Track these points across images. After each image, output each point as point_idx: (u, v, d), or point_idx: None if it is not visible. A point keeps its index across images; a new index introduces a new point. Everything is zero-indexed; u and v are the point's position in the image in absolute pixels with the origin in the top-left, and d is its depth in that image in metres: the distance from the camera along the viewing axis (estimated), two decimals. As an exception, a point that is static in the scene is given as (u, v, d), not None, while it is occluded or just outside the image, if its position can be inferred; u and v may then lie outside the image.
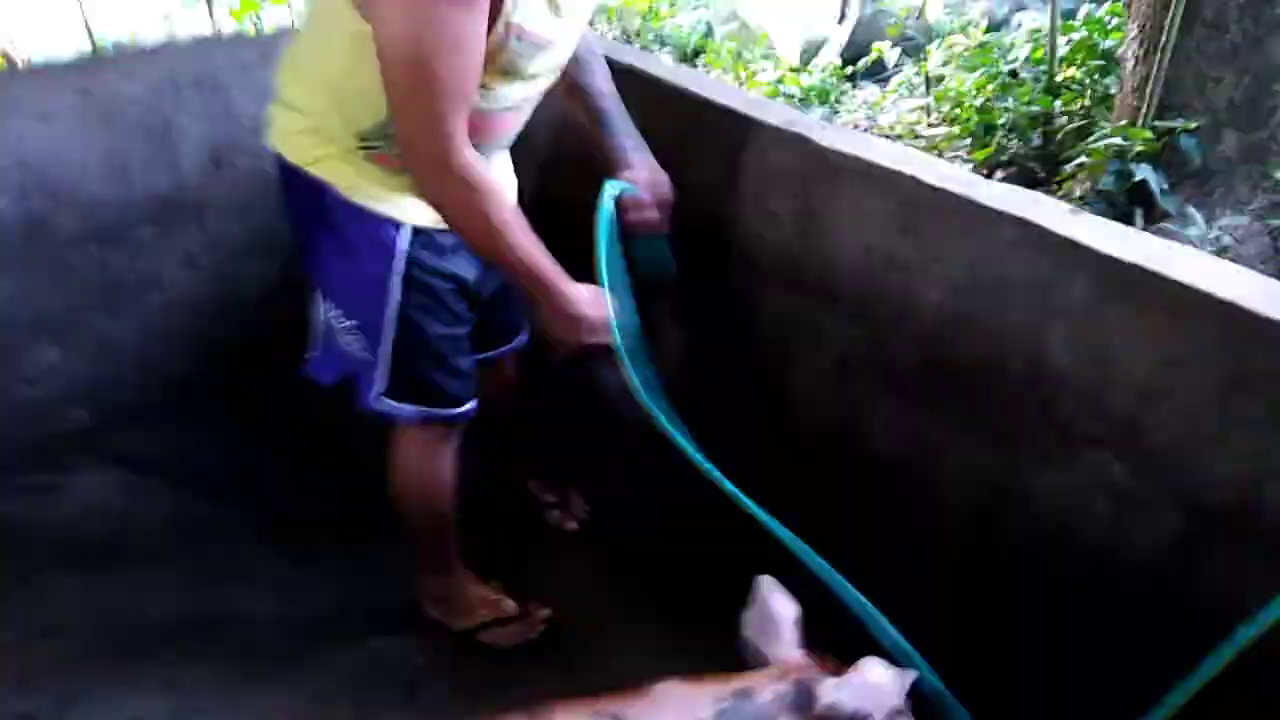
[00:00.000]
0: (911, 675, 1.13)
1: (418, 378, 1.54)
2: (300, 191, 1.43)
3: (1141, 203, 2.66)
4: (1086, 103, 3.59)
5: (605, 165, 1.62)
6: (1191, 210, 2.61)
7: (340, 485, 2.08)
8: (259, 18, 3.55)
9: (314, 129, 1.39)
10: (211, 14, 3.28)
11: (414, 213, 1.42)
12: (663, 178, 1.65)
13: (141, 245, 2.13)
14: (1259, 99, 2.69)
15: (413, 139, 1.23)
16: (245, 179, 2.16)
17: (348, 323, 1.49)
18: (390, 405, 1.55)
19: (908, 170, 1.54)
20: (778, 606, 1.16)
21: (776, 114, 1.79)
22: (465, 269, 1.53)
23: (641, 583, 1.96)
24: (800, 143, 1.70)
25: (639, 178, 1.61)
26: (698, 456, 1.44)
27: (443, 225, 1.38)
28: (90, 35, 3.69)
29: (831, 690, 1.04)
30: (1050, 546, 1.49)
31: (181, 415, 2.30)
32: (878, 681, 1.08)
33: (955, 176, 1.52)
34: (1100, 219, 1.38)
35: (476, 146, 1.29)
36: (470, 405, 1.62)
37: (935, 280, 1.54)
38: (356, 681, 1.72)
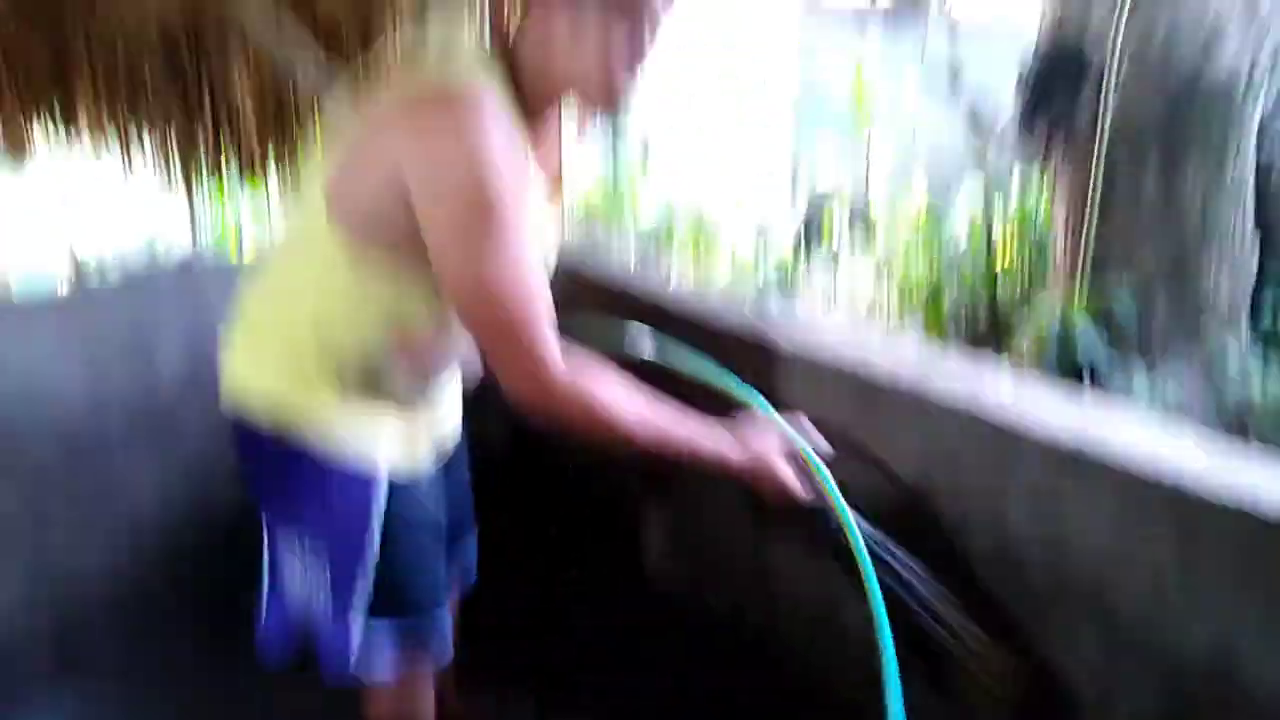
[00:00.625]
0: None
1: (402, 627, 1.35)
2: (259, 444, 1.31)
3: (1086, 365, 2.78)
4: (1027, 270, 3.81)
5: None
6: (1134, 371, 2.73)
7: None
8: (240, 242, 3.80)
9: (287, 373, 1.28)
10: (195, 240, 3.44)
11: (390, 451, 1.32)
12: None
13: (115, 463, 2.14)
14: (1183, 264, 2.88)
15: (516, 376, 1.19)
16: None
17: (319, 576, 1.32)
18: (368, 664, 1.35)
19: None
20: None
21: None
22: (438, 510, 1.43)
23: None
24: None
25: None
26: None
27: (414, 464, 1.35)
28: (75, 262, 3.85)
29: None
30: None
31: (148, 642, 2.22)
32: None
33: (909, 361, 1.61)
34: (1045, 392, 1.47)
35: (430, 370, 1.33)
36: (448, 648, 1.44)
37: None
38: None
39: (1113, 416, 1.42)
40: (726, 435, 1.32)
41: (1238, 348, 2.85)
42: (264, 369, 1.30)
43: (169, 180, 3.20)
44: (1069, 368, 2.76)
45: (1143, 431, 1.36)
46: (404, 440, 1.34)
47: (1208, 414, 2.76)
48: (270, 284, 1.33)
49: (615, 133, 7.59)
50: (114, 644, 2.16)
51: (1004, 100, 3.77)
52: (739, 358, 1.84)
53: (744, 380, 1.83)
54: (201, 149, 3.12)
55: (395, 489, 1.31)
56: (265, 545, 1.38)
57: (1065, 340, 2.77)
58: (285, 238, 1.41)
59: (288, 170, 3.19)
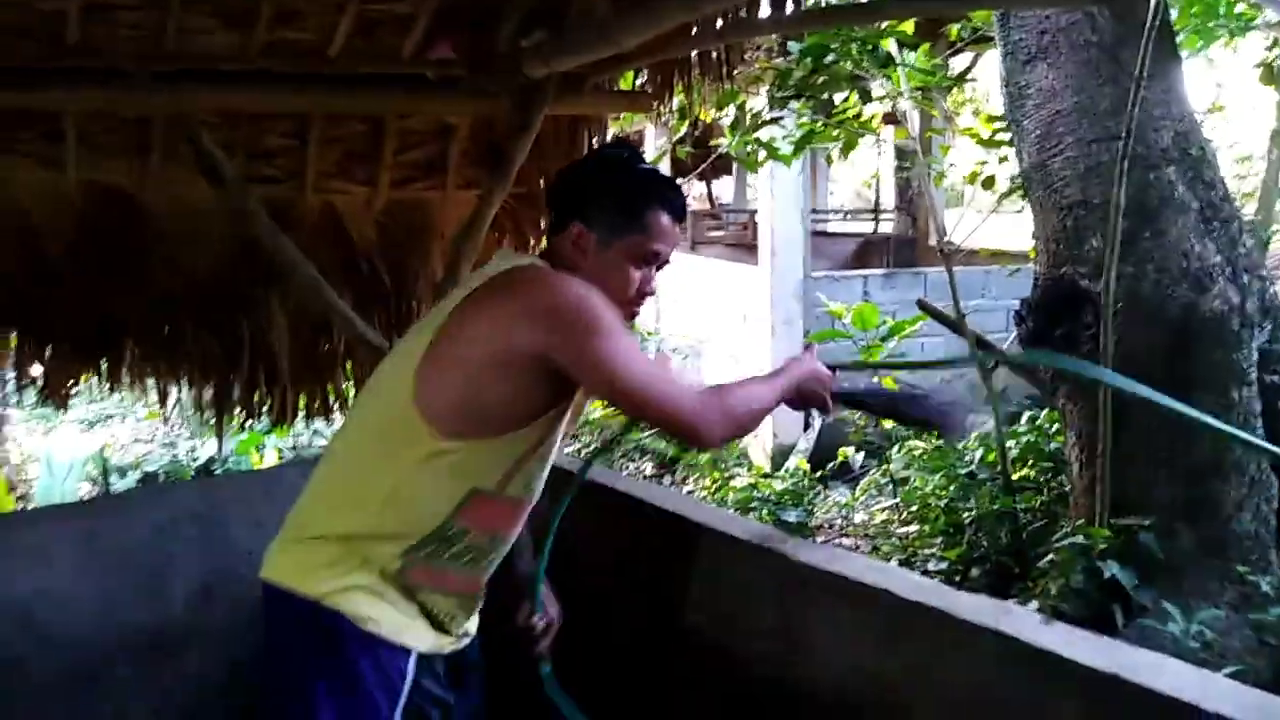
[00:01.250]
0: None
1: None
2: (302, 626, 1.39)
3: (1116, 599, 2.70)
4: (1045, 500, 3.78)
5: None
6: (1167, 606, 2.65)
7: None
8: (261, 452, 3.82)
9: (341, 557, 1.39)
10: (220, 451, 3.50)
11: (423, 638, 1.44)
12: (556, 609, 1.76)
13: (116, 685, 2.08)
14: (1202, 496, 2.86)
15: (681, 433, 1.40)
16: (234, 612, 2.17)
17: None
18: None
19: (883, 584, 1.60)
20: None
21: (751, 530, 1.88)
22: (447, 694, 1.52)
23: None
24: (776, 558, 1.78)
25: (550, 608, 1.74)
26: None
27: (440, 649, 1.48)
28: (105, 472, 3.91)
29: None
30: None
31: None
32: None
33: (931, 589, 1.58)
34: (1081, 632, 1.42)
35: (498, 535, 1.49)
36: None
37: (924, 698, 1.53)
38: None
39: (1150, 656, 1.37)
40: (784, 372, 1.54)
41: (1269, 585, 2.77)
42: (321, 568, 1.39)
43: (201, 429, 3.26)
44: (1096, 602, 2.68)
45: (1183, 671, 1.31)
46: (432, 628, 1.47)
47: (1250, 655, 2.65)
48: (336, 484, 1.46)
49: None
50: None
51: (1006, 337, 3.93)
52: (749, 564, 1.81)
53: (759, 593, 1.80)
54: (237, 404, 3.21)
55: (423, 661, 1.44)
56: None
57: (1091, 570, 2.71)
58: (359, 437, 1.51)
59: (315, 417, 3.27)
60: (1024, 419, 4.65)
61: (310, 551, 1.43)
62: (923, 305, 4.23)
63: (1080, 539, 2.83)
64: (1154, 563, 2.81)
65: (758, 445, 7.33)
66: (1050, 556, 2.96)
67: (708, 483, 6.18)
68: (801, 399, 1.56)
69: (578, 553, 1.99)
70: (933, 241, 9.12)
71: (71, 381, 3.08)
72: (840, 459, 6.05)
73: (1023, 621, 1.45)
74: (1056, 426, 4.10)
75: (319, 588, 1.38)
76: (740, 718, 1.88)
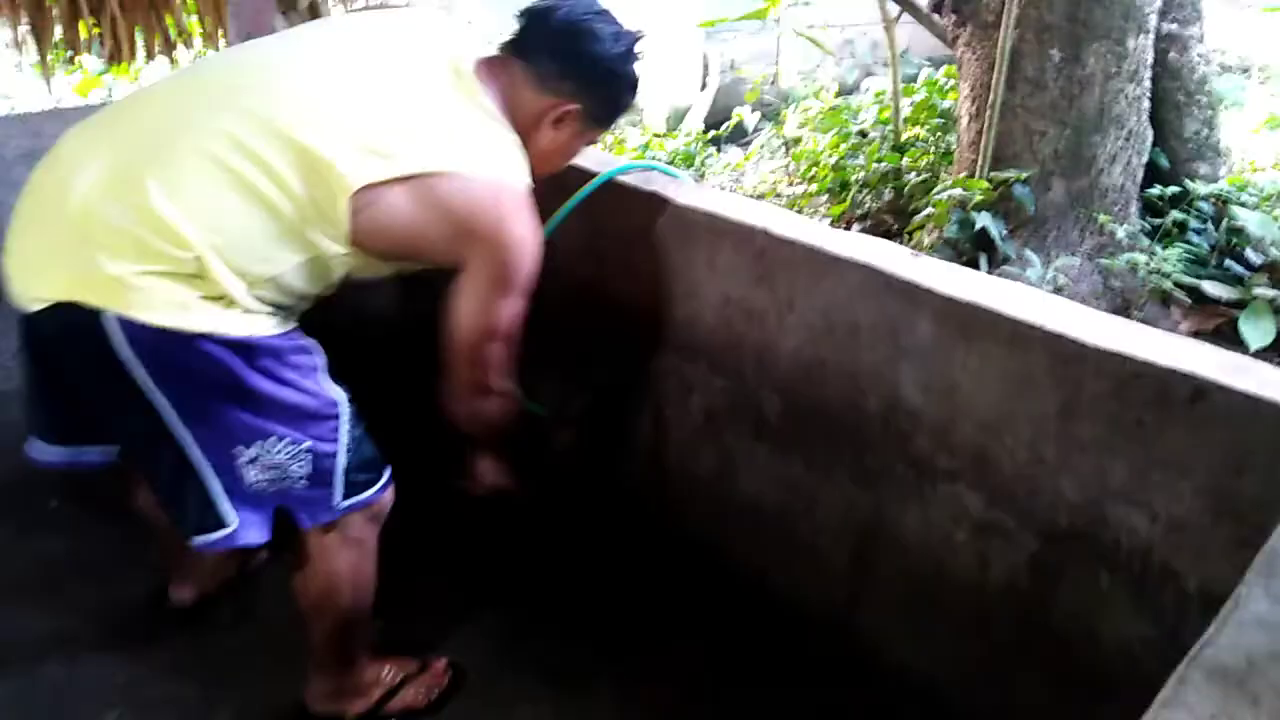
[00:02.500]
0: None
1: (365, 464, 1.44)
2: (184, 354, 1.24)
3: (984, 248, 2.82)
4: (931, 159, 3.81)
5: None
6: (1029, 254, 2.78)
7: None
8: (109, 93, 3.42)
9: (192, 275, 1.23)
10: (50, 90, 3.14)
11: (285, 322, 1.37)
12: None
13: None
14: (1079, 149, 2.91)
15: (484, 381, 1.49)
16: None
17: (294, 449, 1.34)
18: (350, 503, 1.42)
19: (760, 224, 1.59)
20: None
21: (634, 176, 1.82)
22: None
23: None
24: (659, 202, 1.74)
25: None
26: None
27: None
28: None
29: None
30: (922, 583, 1.52)
31: (14, 514, 2.12)
32: None
33: (806, 228, 1.58)
34: (940, 261, 1.46)
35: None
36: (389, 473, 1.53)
37: (791, 328, 1.59)
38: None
39: (1005, 285, 1.42)
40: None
41: (1130, 224, 2.92)
42: (163, 281, 1.22)
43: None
44: (966, 251, 2.80)
45: (1033, 297, 1.36)
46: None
47: (1095, 299, 2.85)
48: (187, 197, 1.22)
49: None
50: None
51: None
52: (636, 210, 1.78)
53: (637, 238, 1.79)
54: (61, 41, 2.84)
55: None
56: (197, 455, 1.31)
57: (964, 221, 2.79)
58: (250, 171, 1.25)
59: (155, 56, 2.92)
60: (921, 76, 4.57)
61: (147, 258, 1.23)
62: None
63: (958, 191, 2.88)
64: (1023, 215, 2.91)
65: (652, 107, 7.10)
66: (928, 210, 3.02)
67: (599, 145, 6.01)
68: (487, 474, 1.71)
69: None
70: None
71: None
72: (735, 120, 5.94)
73: (890, 255, 1.47)
74: (952, 83, 4.05)
75: (175, 314, 1.24)
76: (630, 358, 1.95)
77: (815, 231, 1.57)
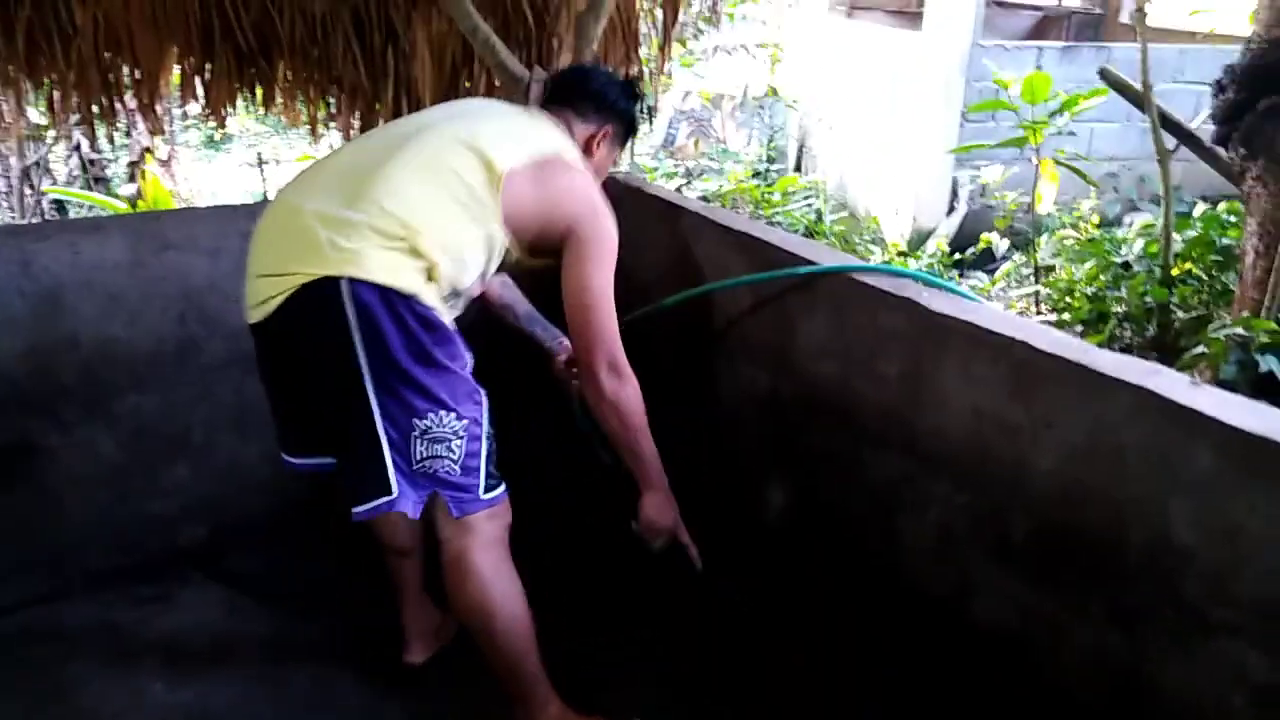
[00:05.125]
0: None
1: (496, 464, 1.72)
2: (393, 314, 1.54)
3: (1265, 394, 2.55)
4: (1205, 296, 3.54)
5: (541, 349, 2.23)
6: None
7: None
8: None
9: (410, 250, 1.56)
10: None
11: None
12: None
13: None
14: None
15: (599, 356, 1.77)
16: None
17: (458, 425, 1.61)
18: (491, 497, 1.68)
19: (1020, 336, 1.55)
20: None
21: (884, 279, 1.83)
22: None
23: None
24: (910, 306, 1.74)
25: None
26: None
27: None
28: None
29: None
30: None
31: (290, 537, 2.38)
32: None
33: (1070, 342, 1.52)
34: (1223, 392, 1.35)
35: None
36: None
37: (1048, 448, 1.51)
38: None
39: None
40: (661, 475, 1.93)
41: None
42: (394, 255, 1.56)
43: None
44: (1246, 393, 2.54)
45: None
46: None
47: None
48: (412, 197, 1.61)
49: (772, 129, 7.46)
50: (257, 540, 2.31)
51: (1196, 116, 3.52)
52: (886, 312, 1.78)
53: (883, 343, 1.78)
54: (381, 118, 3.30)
55: None
56: (382, 426, 1.57)
57: (1244, 362, 2.55)
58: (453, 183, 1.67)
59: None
60: (1197, 210, 4.28)
61: (380, 236, 1.57)
62: (1105, 75, 3.82)
63: (1239, 330, 2.65)
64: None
65: (895, 225, 7.07)
66: (1200, 349, 2.79)
67: (840, 259, 6.04)
68: (653, 513, 1.91)
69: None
70: (1125, 18, 8.15)
71: (229, 100, 3.19)
72: (983, 244, 5.79)
73: (1168, 381, 1.38)
74: (1235, 219, 3.77)
75: (399, 278, 1.57)
76: (864, 463, 1.93)
77: (1079, 346, 1.50)
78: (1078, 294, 4.06)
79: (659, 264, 2.45)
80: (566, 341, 2.07)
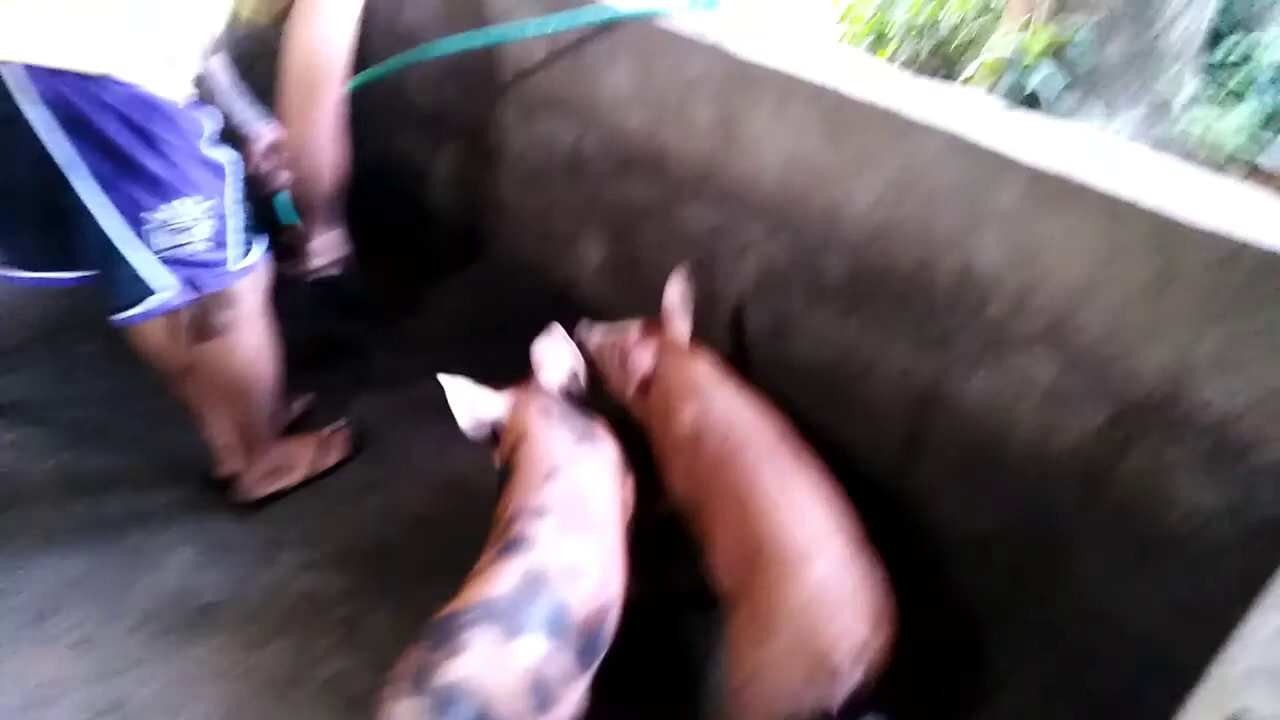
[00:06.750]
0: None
1: (246, 227, 1.58)
2: (113, 104, 1.32)
3: (1037, 104, 2.72)
4: (979, 2, 3.63)
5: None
6: (1087, 110, 2.69)
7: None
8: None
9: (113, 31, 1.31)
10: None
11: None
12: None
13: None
14: (1144, 4, 2.76)
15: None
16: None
17: (204, 208, 1.46)
18: (247, 263, 1.57)
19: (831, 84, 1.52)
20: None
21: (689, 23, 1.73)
22: None
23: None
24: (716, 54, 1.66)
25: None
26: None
27: None
28: None
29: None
30: (981, 449, 1.54)
31: (55, 358, 2.14)
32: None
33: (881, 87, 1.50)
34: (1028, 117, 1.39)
35: None
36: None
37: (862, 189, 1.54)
38: (293, 624, 1.67)
39: (1094, 144, 1.36)
40: None
41: (1188, 88, 2.81)
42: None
43: None
44: (1020, 100, 2.69)
45: (1125, 158, 1.32)
46: None
47: (1155, 149, 2.77)
48: None
49: None
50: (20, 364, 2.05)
51: None
52: (693, 59, 1.70)
53: (693, 91, 1.71)
54: None
55: None
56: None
57: (1019, 72, 2.68)
58: None
59: None
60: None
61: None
62: None
63: (1013, 43, 2.75)
64: (1082, 66, 2.79)
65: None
66: (980, 60, 2.89)
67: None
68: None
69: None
70: None
71: None
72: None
73: (975, 123, 1.41)
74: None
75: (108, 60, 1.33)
76: (679, 214, 1.90)
77: (890, 91, 1.50)
78: (856, 15, 4.06)
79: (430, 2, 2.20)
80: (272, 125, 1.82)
